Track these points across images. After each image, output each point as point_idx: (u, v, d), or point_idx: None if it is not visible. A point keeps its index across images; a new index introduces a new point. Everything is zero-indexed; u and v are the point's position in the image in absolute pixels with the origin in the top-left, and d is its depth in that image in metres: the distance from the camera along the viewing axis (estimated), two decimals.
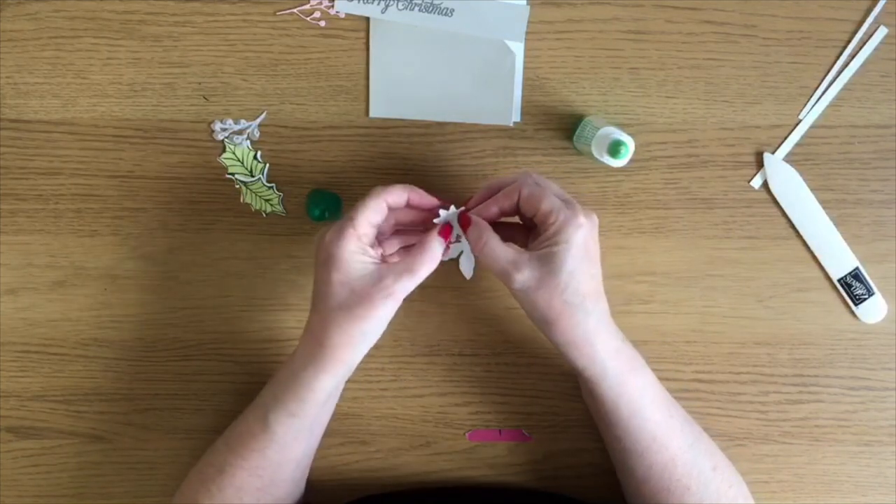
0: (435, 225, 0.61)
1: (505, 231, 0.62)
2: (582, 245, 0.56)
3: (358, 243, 0.58)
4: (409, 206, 0.61)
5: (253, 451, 0.61)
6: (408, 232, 0.63)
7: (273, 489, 0.62)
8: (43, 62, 0.67)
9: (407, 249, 0.64)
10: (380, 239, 0.63)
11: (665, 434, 0.60)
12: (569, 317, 0.57)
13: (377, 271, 0.57)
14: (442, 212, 0.61)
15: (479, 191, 0.62)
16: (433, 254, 0.58)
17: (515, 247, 0.59)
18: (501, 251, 0.58)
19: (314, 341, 0.58)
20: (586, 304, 0.57)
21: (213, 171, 0.68)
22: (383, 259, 0.61)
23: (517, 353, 0.70)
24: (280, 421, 0.60)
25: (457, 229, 0.62)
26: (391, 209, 0.60)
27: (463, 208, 0.61)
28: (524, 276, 0.57)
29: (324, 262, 0.58)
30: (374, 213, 0.59)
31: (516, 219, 0.62)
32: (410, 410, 0.70)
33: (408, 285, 0.57)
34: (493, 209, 0.60)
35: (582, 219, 0.57)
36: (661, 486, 0.61)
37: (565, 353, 0.59)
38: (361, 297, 0.57)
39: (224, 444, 0.63)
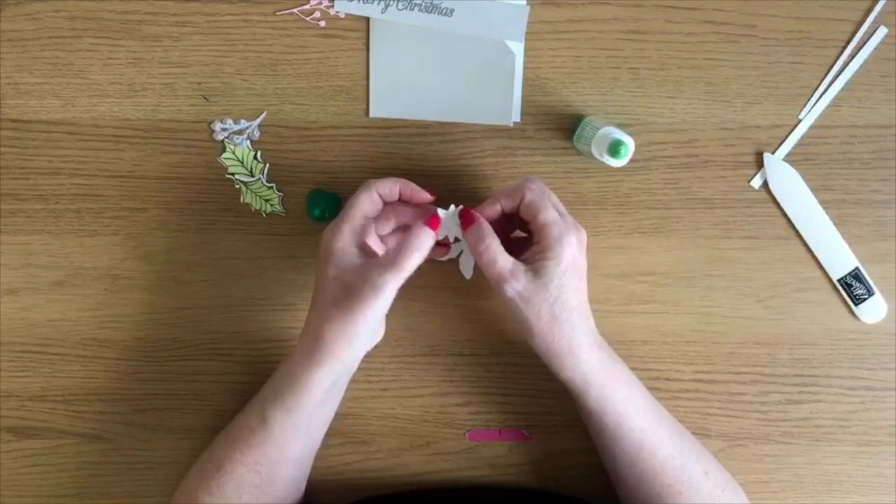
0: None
1: (508, 243, 0.62)
2: (571, 261, 0.58)
3: (352, 236, 0.58)
4: (402, 199, 0.61)
5: (251, 447, 0.61)
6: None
7: (271, 488, 0.62)
8: (43, 62, 0.67)
9: None
10: (383, 238, 0.63)
11: (653, 442, 0.61)
12: (555, 329, 0.58)
13: (365, 265, 0.58)
14: (441, 211, 0.61)
15: (486, 202, 0.62)
16: (418, 245, 0.57)
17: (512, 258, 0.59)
18: (501, 258, 0.58)
19: (311, 337, 0.58)
20: (572, 317, 0.58)
21: (213, 171, 0.68)
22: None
23: (517, 353, 0.70)
24: (277, 416, 0.60)
25: (457, 231, 0.62)
26: (386, 202, 0.61)
27: (461, 207, 0.61)
28: (518, 286, 0.58)
29: (322, 258, 0.59)
30: (366, 204, 0.59)
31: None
32: (410, 410, 0.70)
33: (393, 278, 0.56)
34: (494, 207, 0.61)
35: (573, 236, 0.58)
36: (653, 493, 0.61)
37: (549, 363, 0.60)
38: (351, 291, 0.57)
39: (224, 439, 0.63)
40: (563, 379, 0.61)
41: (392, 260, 0.57)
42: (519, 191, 0.60)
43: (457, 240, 0.67)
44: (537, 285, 0.57)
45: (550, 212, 0.58)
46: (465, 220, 0.60)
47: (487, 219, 0.60)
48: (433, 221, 0.59)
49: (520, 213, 0.60)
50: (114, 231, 0.69)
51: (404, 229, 0.63)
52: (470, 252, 0.61)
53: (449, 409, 0.70)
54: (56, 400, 0.70)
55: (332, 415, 0.65)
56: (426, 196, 0.61)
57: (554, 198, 0.61)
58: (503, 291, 0.58)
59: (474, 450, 0.71)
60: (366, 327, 0.57)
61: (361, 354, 0.60)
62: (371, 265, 0.57)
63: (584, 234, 0.60)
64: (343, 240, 0.58)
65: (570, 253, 0.58)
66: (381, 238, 0.63)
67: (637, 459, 0.61)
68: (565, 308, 0.58)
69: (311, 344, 0.58)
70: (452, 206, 0.61)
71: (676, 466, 0.61)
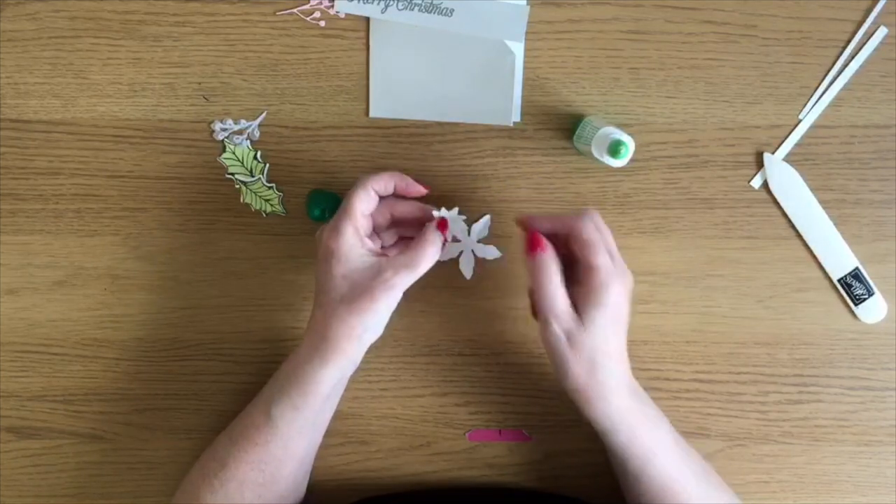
0: (432, 219, 0.62)
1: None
2: (615, 308, 0.58)
3: (355, 235, 0.59)
4: (396, 193, 0.62)
5: (256, 445, 0.61)
6: (404, 224, 0.64)
7: (274, 486, 0.62)
8: (43, 62, 0.67)
9: (405, 241, 0.65)
10: (377, 231, 0.63)
11: (676, 484, 0.61)
12: (592, 374, 0.58)
13: (377, 264, 0.59)
14: (435, 212, 0.62)
15: (543, 215, 0.61)
16: (432, 247, 0.59)
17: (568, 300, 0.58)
18: (560, 297, 0.58)
19: (317, 335, 0.59)
20: (609, 363, 0.58)
21: (213, 171, 0.68)
22: (382, 251, 0.61)
23: (517, 353, 0.70)
24: (283, 414, 0.60)
25: (456, 231, 0.62)
26: (382, 198, 0.62)
27: (456, 209, 0.62)
28: (565, 327, 0.58)
29: (324, 258, 0.59)
30: (364, 202, 0.60)
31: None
32: (410, 410, 0.70)
33: (407, 279, 0.58)
34: (546, 225, 0.60)
35: (619, 284, 0.58)
36: None
37: (577, 402, 0.60)
38: (362, 289, 0.57)
39: (227, 438, 0.63)
40: (589, 419, 0.60)
41: (408, 261, 0.58)
42: (577, 225, 0.58)
43: (455, 240, 0.67)
44: (580, 330, 0.57)
45: (603, 256, 0.58)
46: (533, 243, 0.59)
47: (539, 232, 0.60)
48: (442, 225, 0.61)
49: (571, 246, 0.59)
50: (114, 231, 0.69)
51: (397, 225, 0.64)
52: (532, 281, 0.59)
53: (449, 409, 0.70)
54: (56, 400, 0.70)
55: (332, 412, 0.65)
56: (420, 189, 0.62)
57: (608, 236, 0.60)
58: (547, 328, 0.58)
59: (474, 450, 0.71)
60: (374, 323, 0.58)
61: (365, 349, 0.60)
62: (383, 264, 0.58)
63: (630, 280, 0.59)
64: (349, 239, 0.59)
65: (616, 300, 0.58)
66: (380, 234, 0.64)
67: (658, 499, 0.61)
68: (605, 354, 0.58)
69: (318, 342, 0.58)
70: (444, 209, 0.62)
71: None
